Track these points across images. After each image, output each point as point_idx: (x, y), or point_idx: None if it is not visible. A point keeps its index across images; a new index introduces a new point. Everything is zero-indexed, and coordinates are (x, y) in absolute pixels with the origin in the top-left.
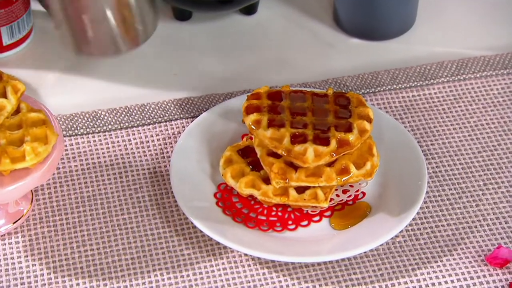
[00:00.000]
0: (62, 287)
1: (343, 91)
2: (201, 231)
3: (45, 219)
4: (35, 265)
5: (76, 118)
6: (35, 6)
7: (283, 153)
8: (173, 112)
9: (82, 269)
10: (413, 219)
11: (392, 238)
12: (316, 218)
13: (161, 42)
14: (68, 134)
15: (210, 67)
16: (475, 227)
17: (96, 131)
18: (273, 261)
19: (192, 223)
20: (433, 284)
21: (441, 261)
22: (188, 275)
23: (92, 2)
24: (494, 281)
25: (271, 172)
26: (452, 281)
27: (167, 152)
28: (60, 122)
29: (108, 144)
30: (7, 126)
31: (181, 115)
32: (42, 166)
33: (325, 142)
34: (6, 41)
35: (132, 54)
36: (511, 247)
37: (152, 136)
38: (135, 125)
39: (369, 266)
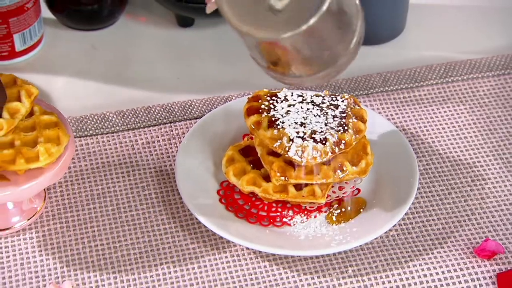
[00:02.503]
0: (74, 280)
1: (338, 93)
2: (205, 227)
3: (57, 216)
4: (48, 259)
5: (85, 120)
6: (46, 13)
7: (282, 152)
8: (177, 113)
9: (93, 263)
10: (406, 214)
11: (386, 232)
12: (314, 214)
13: (165, 48)
14: (78, 135)
15: (212, 71)
16: (464, 221)
17: (105, 132)
18: (273, 255)
19: (196, 219)
20: (425, 275)
21: (432, 253)
22: (193, 268)
23: None
24: (482, 272)
25: (271, 170)
26: (443, 272)
27: (172, 151)
28: (71, 124)
29: (116, 145)
30: (21, 128)
31: (185, 117)
32: (55, 166)
33: (322, 142)
34: (18, 47)
35: (138, 59)
36: (498, 240)
37: (158, 137)
38: (142, 126)
39: (364, 259)
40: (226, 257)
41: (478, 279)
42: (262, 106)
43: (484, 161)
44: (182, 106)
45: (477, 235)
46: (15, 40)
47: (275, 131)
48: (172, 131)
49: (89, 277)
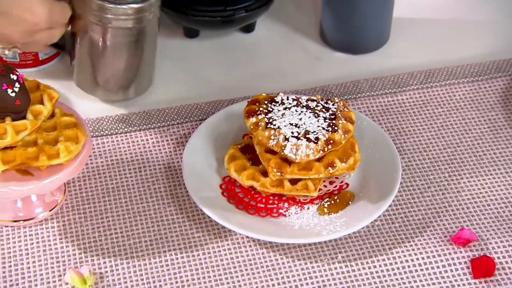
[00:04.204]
0: (91, 265)
1: (330, 97)
2: (209, 217)
3: (76, 207)
4: (68, 246)
5: (101, 121)
6: None
7: (278, 150)
8: (184, 115)
9: (108, 249)
10: (389, 205)
11: (371, 222)
12: (307, 206)
13: (173, 56)
14: (95, 135)
15: (215, 77)
16: (442, 212)
17: (119, 132)
18: (270, 242)
19: (201, 210)
20: (407, 261)
21: (413, 241)
22: (198, 255)
23: (114, 57)
24: (458, 258)
25: (269, 167)
26: (423, 258)
27: (180, 150)
28: (88, 125)
29: (129, 144)
30: (44, 128)
31: (191, 118)
32: (74, 162)
33: (315, 141)
34: (42, 56)
35: None
36: (472, 229)
37: (167, 137)
38: (152, 127)
39: (352, 246)
40: (227, 244)
41: (454, 264)
42: (261, 109)
43: (460, 158)
44: (189, 109)
45: (454, 224)
46: None
47: (272, 131)
48: (179, 131)
49: (104, 262)
